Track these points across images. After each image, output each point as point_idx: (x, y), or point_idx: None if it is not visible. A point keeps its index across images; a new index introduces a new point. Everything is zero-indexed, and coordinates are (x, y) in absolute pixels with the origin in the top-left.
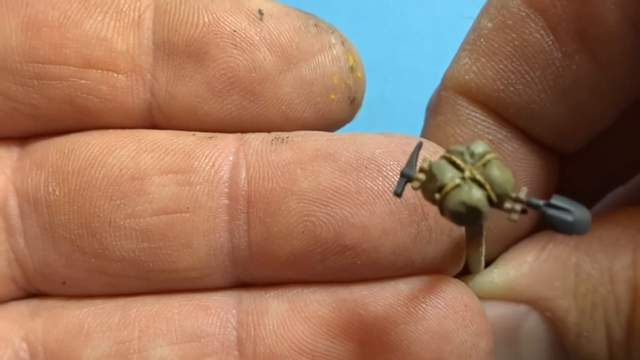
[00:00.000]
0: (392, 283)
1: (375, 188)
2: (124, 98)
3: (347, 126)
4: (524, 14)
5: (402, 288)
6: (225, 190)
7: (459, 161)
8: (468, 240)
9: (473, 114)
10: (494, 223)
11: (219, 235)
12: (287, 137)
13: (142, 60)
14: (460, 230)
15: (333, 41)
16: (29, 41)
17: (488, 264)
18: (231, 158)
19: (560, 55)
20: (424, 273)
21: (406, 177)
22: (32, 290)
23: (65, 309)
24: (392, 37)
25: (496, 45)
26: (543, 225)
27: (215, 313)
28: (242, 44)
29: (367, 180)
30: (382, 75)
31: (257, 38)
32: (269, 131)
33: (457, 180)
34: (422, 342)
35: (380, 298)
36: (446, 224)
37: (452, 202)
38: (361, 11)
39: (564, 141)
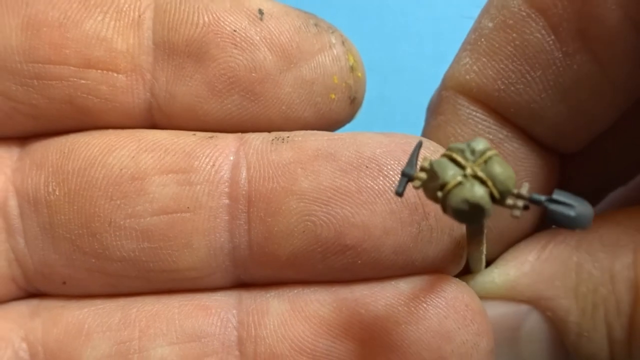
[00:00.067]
0: (393, 282)
1: (376, 187)
2: (124, 98)
3: (348, 126)
4: (524, 13)
5: (403, 287)
6: (226, 190)
7: (460, 159)
8: (469, 240)
9: (474, 113)
10: (495, 222)
11: (220, 235)
12: (288, 137)
13: (142, 60)
14: (461, 230)
15: (333, 41)
16: (29, 41)
17: (489, 263)
18: (231, 158)
19: (561, 55)
20: (425, 272)
21: (407, 176)
22: (32, 290)
23: (65, 309)
24: (392, 37)
25: (497, 45)
26: (544, 224)
27: (216, 313)
28: (243, 43)
29: (367, 180)
30: (382, 75)
31: (258, 38)
32: (269, 131)
33: (459, 178)
34: (423, 341)
35: (381, 298)
36: (447, 223)
37: (455, 200)
38: (361, 11)
39: (564, 141)
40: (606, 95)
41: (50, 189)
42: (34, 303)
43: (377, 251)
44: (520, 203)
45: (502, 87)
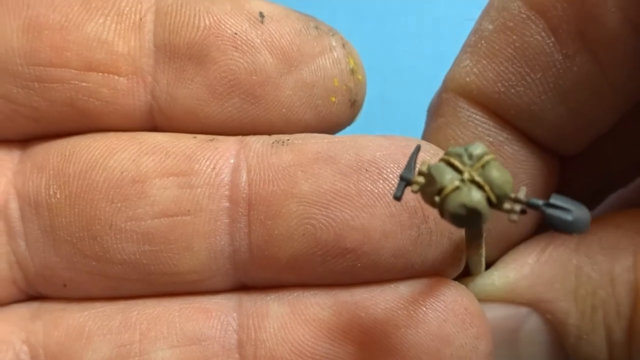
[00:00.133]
0: (392, 286)
1: (376, 191)
2: (125, 100)
3: (348, 127)
4: (524, 15)
5: (402, 291)
6: (226, 193)
7: (457, 163)
8: (468, 243)
9: (474, 116)
10: (494, 225)
11: (220, 238)
12: (288, 140)
13: (143, 62)
14: (460, 233)
15: (334, 44)
16: (30, 44)
17: (489, 266)
18: (232, 161)
19: (561, 57)
20: (424, 275)
21: (405, 180)
22: (32, 293)
23: (66, 311)
24: (392, 37)
25: (497, 47)
26: (543, 227)
27: (216, 316)
28: (243, 46)
29: (367, 183)
30: (382, 75)
31: (258, 40)
32: (269, 133)
33: (457, 183)
34: (423, 345)
35: (381, 301)
36: (446, 226)
37: (452, 204)
38: (361, 11)
39: (564, 143)
40: (606, 98)
41: (52, 192)
42: (34, 306)
43: (377, 254)
44: (518, 207)
45: (502, 90)
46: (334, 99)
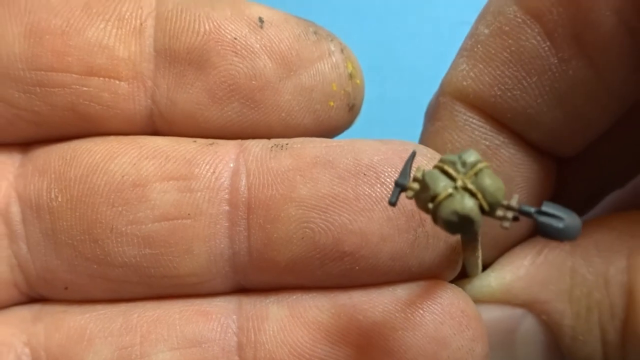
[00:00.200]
0: (390, 288)
1: (374, 195)
2: (126, 105)
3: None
4: (520, 20)
5: (400, 293)
6: (226, 196)
7: (451, 171)
8: (464, 246)
9: (471, 119)
10: (491, 228)
11: (220, 242)
12: (287, 144)
13: (144, 67)
14: (457, 236)
15: (332, 48)
16: (32, 49)
17: (485, 267)
18: (231, 165)
19: (556, 61)
20: (422, 278)
21: (400, 186)
22: (34, 296)
23: (67, 314)
24: (392, 37)
25: (493, 51)
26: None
27: (216, 318)
28: (243, 51)
29: (365, 187)
30: (382, 75)
31: (258, 46)
32: (268, 137)
33: (450, 190)
34: (420, 347)
35: (379, 304)
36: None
37: (445, 212)
38: (361, 11)
39: (561, 146)
40: (601, 101)
41: (53, 196)
42: (35, 308)
43: (375, 257)
44: (510, 215)
45: (498, 93)
46: (332, 104)
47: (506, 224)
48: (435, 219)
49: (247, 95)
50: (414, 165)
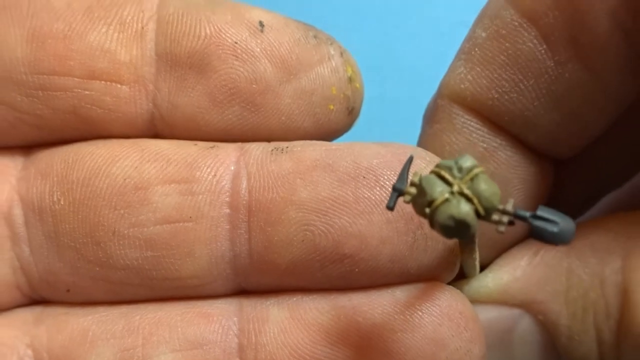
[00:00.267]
0: (389, 290)
1: (373, 198)
2: (127, 108)
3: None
4: (517, 23)
5: (399, 295)
6: (227, 199)
7: (447, 176)
8: (461, 248)
9: (468, 122)
10: (488, 229)
11: (221, 244)
12: (287, 147)
13: (145, 71)
14: (453, 239)
15: (332, 52)
16: (34, 53)
17: (483, 268)
18: (232, 168)
19: (552, 64)
20: (420, 280)
21: (398, 191)
22: (35, 298)
23: (69, 315)
24: (392, 37)
25: (490, 55)
26: None
27: (217, 320)
28: (243, 55)
29: (364, 190)
30: (382, 75)
31: (258, 49)
32: (269, 141)
33: (446, 195)
34: (418, 348)
35: (378, 305)
36: None
37: (442, 216)
38: (361, 11)
39: (558, 148)
40: (598, 103)
41: (55, 199)
42: (37, 310)
43: (374, 260)
44: (505, 219)
45: (495, 96)
46: (332, 107)
47: (502, 228)
48: (432, 223)
49: (247, 98)
50: (412, 168)
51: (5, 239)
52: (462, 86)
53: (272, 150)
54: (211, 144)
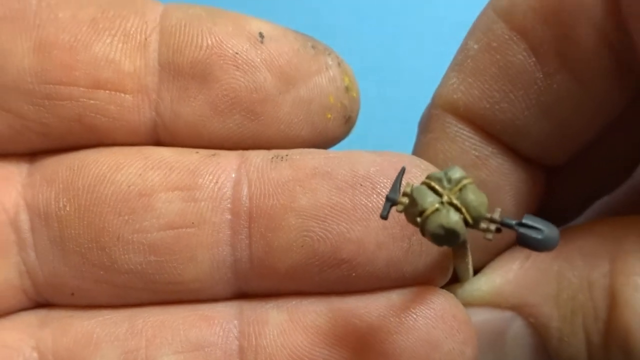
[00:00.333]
0: (385, 294)
1: (370, 205)
2: (131, 117)
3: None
4: (507, 36)
5: (394, 299)
6: (228, 206)
7: (437, 187)
8: (454, 253)
9: (461, 131)
10: (480, 236)
11: (222, 249)
12: (286, 155)
13: (148, 80)
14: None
15: (330, 62)
16: (41, 63)
17: (477, 272)
18: (233, 175)
19: (542, 75)
20: (415, 284)
21: (391, 201)
22: (40, 301)
23: (73, 318)
24: (392, 37)
25: (482, 66)
26: None
27: (218, 323)
28: (244, 65)
29: (362, 197)
30: (382, 75)
31: (258, 60)
32: (268, 148)
33: (436, 205)
34: (413, 350)
35: (374, 308)
36: None
37: (432, 225)
38: (361, 11)
39: (549, 155)
40: (586, 112)
41: (61, 205)
42: (42, 313)
43: (371, 264)
44: (493, 227)
45: (487, 106)
46: (329, 116)
47: (489, 235)
48: (423, 232)
49: (248, 107)
50: (408, 176)
51: (11, 244)
52: (455, 96)
53: (272, 158)
54: (212, 151)
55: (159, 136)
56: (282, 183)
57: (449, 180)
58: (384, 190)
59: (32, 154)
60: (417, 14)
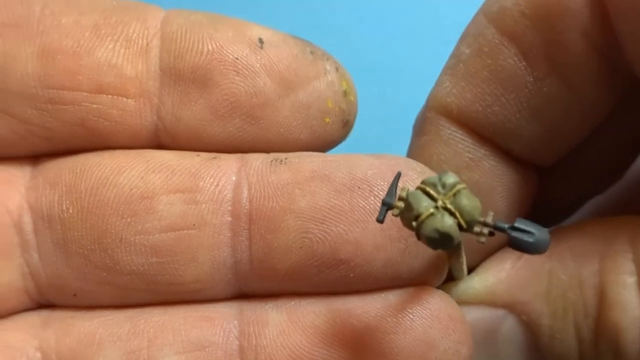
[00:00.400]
0: (382, 294)
1: (368, 207)
2: (133, 121)
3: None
4: (498, 41)
5: (391, 299)
6: (229, 208)
7: (432, 192)
8: (449, 254)
9: (454, 134)
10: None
11: (223, 251)
12: (286, 158)
13: (150, 85)
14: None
15: (328, 67)
16: (45, 68)
17: (471, 271)
18: (234, 178)
19: (532, 79)
20: (412, 284)
21: (387, 205)
22: (42, 302)
23: (76, 319)
24: (392, 37)
25: (474, 70)
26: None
27: (219, 323)
28: (244, 70)
29: (360, 200)
30: (382, 75)
31: (258, 65)
32: (267, 152)
33: (431, 210)
34: (410, 349)
35: (372, 309)
36: None
37: (427, 229)
38: (361, 11)
39: (540, 156)
40: (576, 114)
41: (64, 207)
42: (44, 314)
43: (369, 265)
44: (486, 230)
45: (479, 109)
46: (328, 120)
47: (482, 239)
48: (419, 235)
49: (247, 112)
50: (404, 179)
51: (15, 246)
52: (448, 100)
53: (272, 161)
54: (213, 154)
55: (161, 140)
56: (281, 186)
57: (444, 186)
58: (381, 192)
59: (35, 157)
60: (417, 14)
